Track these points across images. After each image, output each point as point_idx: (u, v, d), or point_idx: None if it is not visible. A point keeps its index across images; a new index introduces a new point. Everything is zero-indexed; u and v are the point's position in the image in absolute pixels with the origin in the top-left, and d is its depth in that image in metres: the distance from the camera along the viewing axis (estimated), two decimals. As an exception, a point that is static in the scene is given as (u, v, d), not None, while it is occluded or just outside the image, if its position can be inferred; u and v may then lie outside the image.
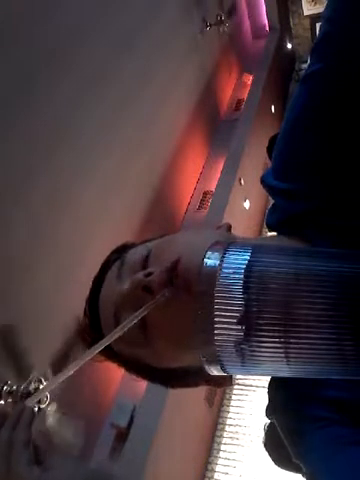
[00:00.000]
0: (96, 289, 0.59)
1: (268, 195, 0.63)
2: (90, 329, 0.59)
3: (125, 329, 0.48)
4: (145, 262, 0.54)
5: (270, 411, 0.58)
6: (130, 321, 0.48)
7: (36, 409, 1.54)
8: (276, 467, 1.73)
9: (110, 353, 0.57)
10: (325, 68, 0.53)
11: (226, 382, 0.59)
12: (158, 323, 0.51)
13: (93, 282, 0.60)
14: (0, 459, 0.51)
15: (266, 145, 2.67)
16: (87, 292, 0.61)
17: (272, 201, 0.63)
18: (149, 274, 0.51)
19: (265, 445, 1.74)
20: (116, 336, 0.48)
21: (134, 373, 0.61)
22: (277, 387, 0.58)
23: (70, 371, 0.48)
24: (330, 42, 0.53)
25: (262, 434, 1.81)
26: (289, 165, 0.57)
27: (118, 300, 0.54)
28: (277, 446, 1.63)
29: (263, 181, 0.62)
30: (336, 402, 0.50)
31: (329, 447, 0.49)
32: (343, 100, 0.52)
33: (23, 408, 0.56)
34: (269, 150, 2.57)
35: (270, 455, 1.71)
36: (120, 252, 0.61)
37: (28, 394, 1.58)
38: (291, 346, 0.41)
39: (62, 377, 0.49)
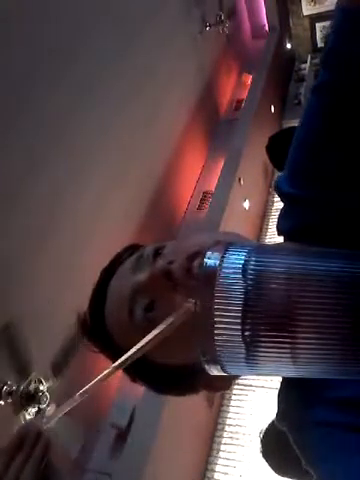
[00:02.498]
0: (105, 280, 0.58)
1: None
2: (91, 317, 0.58)
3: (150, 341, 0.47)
4: (159, 251, 0.55)
5: (279, 417, 0.58)
6: (154, 336, 0.47)
7: (36, 409, 1.54)
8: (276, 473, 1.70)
9: (107, 343, 0.57)
10: (334, 79, 0.53)
11: (225, 386, 0.58)
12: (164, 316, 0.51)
13: (102, 273, 0.60)
14: None
15: (266, 144, 2.66)
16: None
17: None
18: (171, 262, 0.51)
19: (263, 453, 1.72)
20: (141, 351, 0.47)
21: (130, 373, 0.59)
22: (281, 392, 0.58)
23: (86, 393, 0.47)
24: (338, 53, 0.53)
25: (259, 442, 1.79)
26: (307, 174, 0.58)
27: (135, 286, 0.53)
28: (276, 453, 1.62)
29: (278, 188, 0.62)
30: (341, 401, 0.50)
31: (336, 455, 0.48)
32: (353, 110, 0.52)
33: (38, 436, 0.53)
34: (268, 150, 2.56)
35: (269, 463, 1.69)
36: (134, 249, 0.61)
37: (28, 394, 1.58)
38: (291, 346, 0.41)
39: (80, 397, 0.48)
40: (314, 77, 4.50)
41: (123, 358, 0.48)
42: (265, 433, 1.73)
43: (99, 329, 0.57)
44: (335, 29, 0.53)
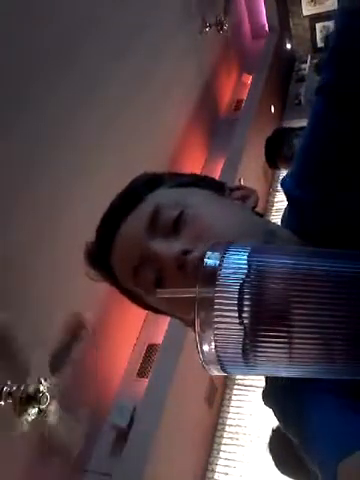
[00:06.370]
0: (118, 215, 0.58)
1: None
2: (98, 248, 0.60)
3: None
4: (177, 225, 0.54)
5: (265, 394, 0.59)
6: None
7: (36, 409, 1.54)
8: (276, 469, 1.72)
9: (110, 274, 0.59)
10: (338, 79, 0.53)
11: None
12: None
13: (116, 202, 0.60)
14: None
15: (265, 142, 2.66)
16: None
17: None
18: (187, 251, 0.51)
19: (270, 449, 1.74)
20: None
21: (130, 301, 0.63)
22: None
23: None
24: (341, 54, 0.53)
25: (268, 436, 1.80)
26: (314, 176, 0.57)
27: (147, 253, 0.54)
28: (280, 449, 1.63)
29: (285, 190, 0.61)
30: (330, 389, 0.50)
31: (328, 412, 0.49)
32: (357, 110, 0.52)
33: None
34: (268, 150, 2.56)
35: (272, 456, 1.71)
36: (153, 184, 0.60)
37: (28, 395, 1.58)
38: (292, 346, 0.41)
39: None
40: (315, 71, 4.46)
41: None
42: (276, 429, 1.74)
43: (103, 262, 0.59)
44: (338, 30, 0.53)
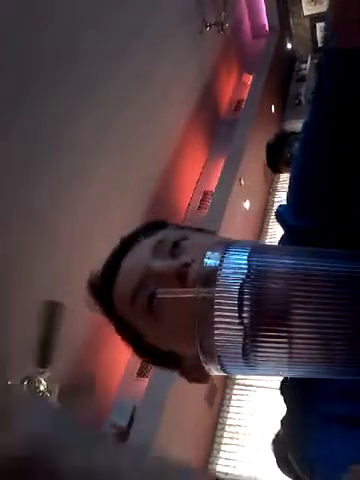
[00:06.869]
0: (124, 249, 0.60)
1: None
2: (102, 280, 0.60)
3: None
4: (177, 248, 0.57)
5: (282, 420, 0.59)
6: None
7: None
8: (276, 467, 1.72)
9: (109, 308, 0.59)
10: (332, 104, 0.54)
11: (202, 379, 0.59)
12: (165, 307, 0.52)
13: (124, 240, 0.62)
14: None
15: (265, 146, 2.66)
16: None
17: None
18: (187, 265, 0.52)
19: (274, 444, 1.73)
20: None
21: (122, 337, 0.62)
22: (283, 393, 0.59)
23: None
24: (334, 74, 0.53)
25: (275, 431, 1.80)
26: (309, 199, 0.59)
27: (147, 271, 0.55)
28: (285, 450, 1.63)
29: (283, 221, 0.62)
30: (338, 393, 0.50)
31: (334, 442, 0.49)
32: (346, 129, 0.53)
33: None
34: (269, 155, 2.56)
35: (273, 451, 1.70)
36: (160, 225, 0.63)
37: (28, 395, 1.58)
38: (292, 346, 0.41)
39: None
40: (316, 69, 4.45)
41: None
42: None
43: (105, 295, 0.60)
44: (325, 71, 0.53)
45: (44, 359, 1.57)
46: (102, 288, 0.60)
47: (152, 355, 0.60)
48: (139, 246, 0.60)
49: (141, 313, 0.55)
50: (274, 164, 2.52)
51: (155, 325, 0.54)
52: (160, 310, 0.53)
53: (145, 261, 0.56)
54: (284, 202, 0.63)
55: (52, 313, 1.57)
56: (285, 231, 0.62)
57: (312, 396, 0.52)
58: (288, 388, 0.58)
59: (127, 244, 0.61)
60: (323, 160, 0.56)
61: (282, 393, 0.59)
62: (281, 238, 0.64)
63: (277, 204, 4.23)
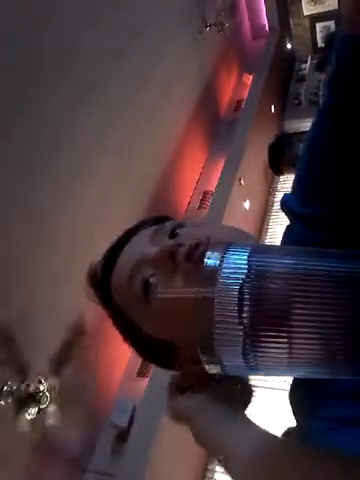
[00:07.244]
0: (123, 241, 0.61)
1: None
2: (101, 272, 0.61)
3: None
4: (175, 231, 0.58)
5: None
6: None
7: (36, 409, 1.54)
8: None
9: (108, 299, 0.60)
10: (337, 102, 0.54)
11: (200, 375, 0.58)
12: (162, 292, 0.53)
13: (124, 234, 0.63)
14: None
15: (266, 147, 2.67)
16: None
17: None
18: (180, 245, 0.53)
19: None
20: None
21: (120, 329, 0.62)
22: (291, 393, 0.58)
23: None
24: (342, 80, 0.54)
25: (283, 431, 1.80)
26: (313, 191, 0.59)
27: (142, 256, 0.56)
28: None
29: (289, 208, 0.62)
30: (343, 394, 0.50)
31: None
32: (352, 132, 0.54)
33: None
34: (270, 157, 2.56)
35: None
36: (160, 220, 0.63)
37: (28, 395, 1.58)
38: (292, 346, 0.41)
39: None
40: (316, 69, 4.44)
41: None
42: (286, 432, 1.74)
43: (104, 285, 0.60)
44: (338, 56, 0.54)
45: (56, 366, 1.58)
46: (100, 278, 0.61)
47: (149, 347, 0.59)
48: (137, 237, 0.61)
49: (137, 301, 0.55)
50: (276, 165, 2.52)
51: (151, 314, 0.54)
52: (153, 295, 0.53)
53: (142, 249, 0.57)
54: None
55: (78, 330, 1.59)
56: (290, 220, 0.62)
57: (316, 399, 0.52)
58: (292, 392, 0.58)
59: (127, 236, 0.62)
60: (328, 158, 0.56)
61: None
62: (285, 231, 0.64)
63: (277, 204, 4.21)
